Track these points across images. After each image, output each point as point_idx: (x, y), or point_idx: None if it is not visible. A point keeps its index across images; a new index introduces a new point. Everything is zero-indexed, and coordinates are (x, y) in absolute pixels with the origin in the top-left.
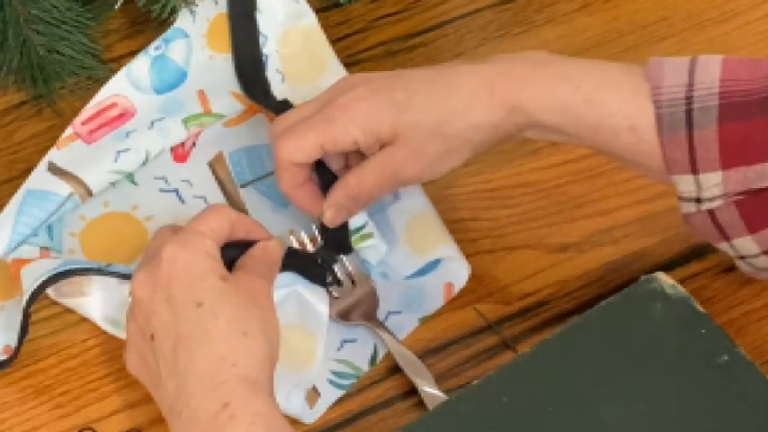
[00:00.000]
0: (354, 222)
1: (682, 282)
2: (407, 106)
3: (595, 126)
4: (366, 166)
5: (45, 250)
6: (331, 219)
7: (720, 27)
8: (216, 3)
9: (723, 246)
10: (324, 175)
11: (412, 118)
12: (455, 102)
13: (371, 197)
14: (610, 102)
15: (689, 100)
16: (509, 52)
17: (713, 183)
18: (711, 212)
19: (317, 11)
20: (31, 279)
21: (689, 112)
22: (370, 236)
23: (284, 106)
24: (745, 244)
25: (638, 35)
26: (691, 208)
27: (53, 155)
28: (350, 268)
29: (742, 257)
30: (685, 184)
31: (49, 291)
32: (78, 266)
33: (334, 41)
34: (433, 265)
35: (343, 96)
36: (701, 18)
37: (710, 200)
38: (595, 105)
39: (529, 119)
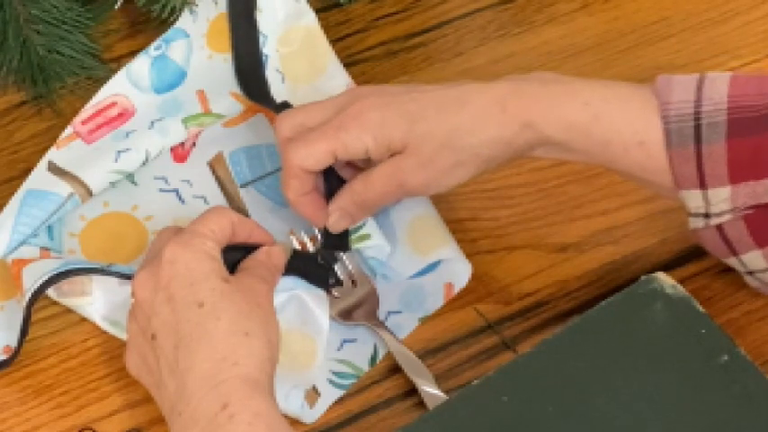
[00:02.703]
0: None
1: (682, 282)
2: (419, 118)
3: (604, 142)
4: (373, 173)
5: (45, 251)
6: (334, 223)
7: (720, 27)
8: (216, 2)
9: (732, 261)
10: (331, 181)
11: (423, 129)
12: (466, 117)
13: (376, 204)
14: (618, 118)
15: (697, 115)
16: (509, 52)
17: (722, 198)
18: (720, 227)
19: (317, 11)
20: (32, 279)
21: (697, 128)
22: (367, 237)
23: (284, 108)
24: (754, 259)
25: (638, 35)
26: (699, 223)
27: (53, 154)
28: (350, 268)
29: (750, 272)
30: (694, 199)
31: (50, 290)
32: (79, 266)
33: (334, 41)
34: (434, 265)
35: (355, 105)
36: (700, 18)
37: (719, 215)
38: (603, 121)
39: (539, 136)
